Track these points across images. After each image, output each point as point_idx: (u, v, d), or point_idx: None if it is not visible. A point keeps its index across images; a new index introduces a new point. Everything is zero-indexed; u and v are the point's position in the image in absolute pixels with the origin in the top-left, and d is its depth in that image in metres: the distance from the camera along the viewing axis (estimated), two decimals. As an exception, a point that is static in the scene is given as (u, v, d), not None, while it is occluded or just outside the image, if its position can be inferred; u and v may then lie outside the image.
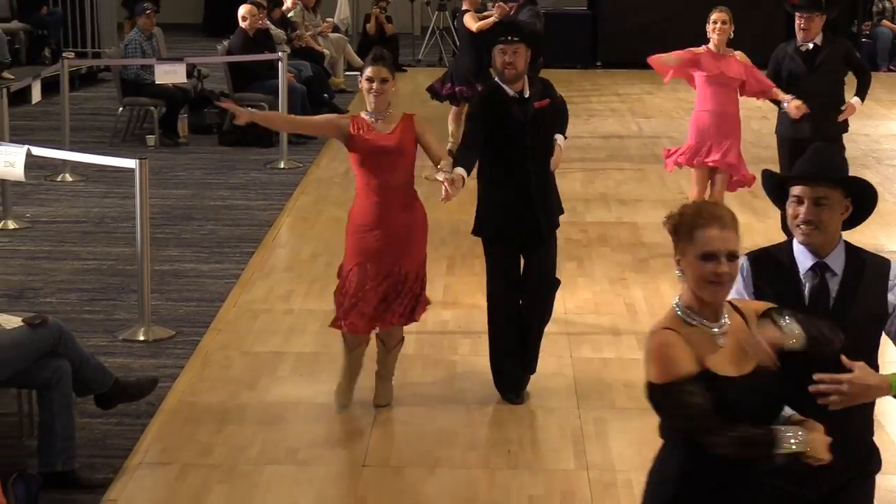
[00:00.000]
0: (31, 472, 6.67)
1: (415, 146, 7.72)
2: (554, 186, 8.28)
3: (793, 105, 10.54)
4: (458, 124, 13.98)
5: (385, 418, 7.86)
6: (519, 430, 7.76)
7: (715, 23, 10.77)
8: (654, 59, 10.97)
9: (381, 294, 7.67)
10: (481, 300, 9.94)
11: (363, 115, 7.72)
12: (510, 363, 8.16)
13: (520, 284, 8.14)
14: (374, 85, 7.57)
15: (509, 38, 7.84)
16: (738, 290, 4.58)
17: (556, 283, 8.40)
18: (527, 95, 7.92)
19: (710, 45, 10.79)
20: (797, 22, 10.84)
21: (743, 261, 4.58)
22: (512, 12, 14.00)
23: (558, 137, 8.13)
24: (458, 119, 14.05)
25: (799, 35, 10.82)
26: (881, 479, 7.07)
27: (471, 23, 14.03)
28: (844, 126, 11.22)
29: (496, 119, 7.89)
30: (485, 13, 14.43)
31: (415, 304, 7.84)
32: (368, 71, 7.62)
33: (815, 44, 10.80)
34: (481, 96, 8.30)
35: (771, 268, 4.69)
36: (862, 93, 11.31)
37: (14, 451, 7.16)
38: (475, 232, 8.23)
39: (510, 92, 7.89)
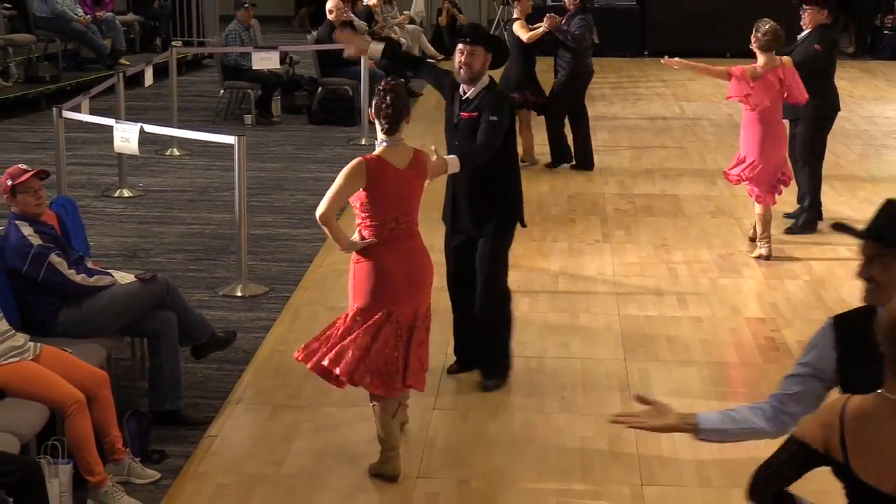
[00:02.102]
0: (142, 411, 6.76)
1: None
2: (497, 191, 7.34)
3: None
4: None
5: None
6: (572, 378, 7.74)
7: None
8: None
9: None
10: (540, 262, 10.00)
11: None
12: (457, 335, 7.79)
13: (462, 273, 7.55)
14: None
15: (468, 39, 7.22)
16: None
17: (497, 286, 7.52)
18: (467, 98, 7.26)
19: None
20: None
21: None
22: (563, 21, 13.12)
23: (451, 158, 6.92)
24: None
25: None
26: None
27: (521, 32, 13.13)
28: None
29: (446, 104, 7.46)
30: (535, 25, 13.18)
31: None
32: None
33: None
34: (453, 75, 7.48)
35: None
36: None
37: (128, 392, 7.23)
38: None
39: (459, 91, 7.32)
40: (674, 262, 10.11)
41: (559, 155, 13.51)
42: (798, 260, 10.11)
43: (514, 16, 13.53)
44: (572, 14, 13.11)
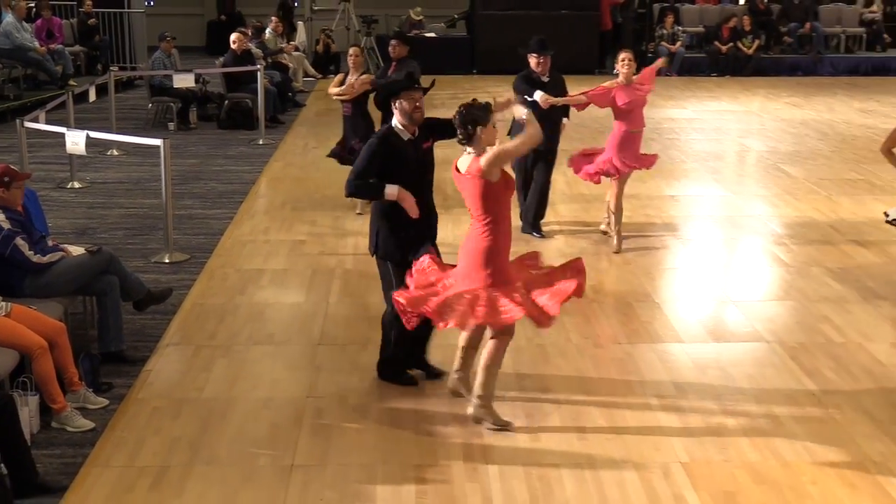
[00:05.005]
0: (93, 352, 6.65)
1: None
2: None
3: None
4: None
5: (333, 311, 7.85)
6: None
7: (623, 60, 9.16)
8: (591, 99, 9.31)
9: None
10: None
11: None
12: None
13: None
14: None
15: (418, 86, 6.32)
16: None
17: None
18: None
19: (620, 79, 9.23)
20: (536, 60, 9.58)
21: None
22: (391, 70, 10.81)
23: None
24: None
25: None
26: (663, 346, 7.21)
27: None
28: None
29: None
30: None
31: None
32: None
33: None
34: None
35: None
36: None
37: (81, 338, 7.10)
38: None
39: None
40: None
41: None
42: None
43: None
44: (401, 60, 10.88)
